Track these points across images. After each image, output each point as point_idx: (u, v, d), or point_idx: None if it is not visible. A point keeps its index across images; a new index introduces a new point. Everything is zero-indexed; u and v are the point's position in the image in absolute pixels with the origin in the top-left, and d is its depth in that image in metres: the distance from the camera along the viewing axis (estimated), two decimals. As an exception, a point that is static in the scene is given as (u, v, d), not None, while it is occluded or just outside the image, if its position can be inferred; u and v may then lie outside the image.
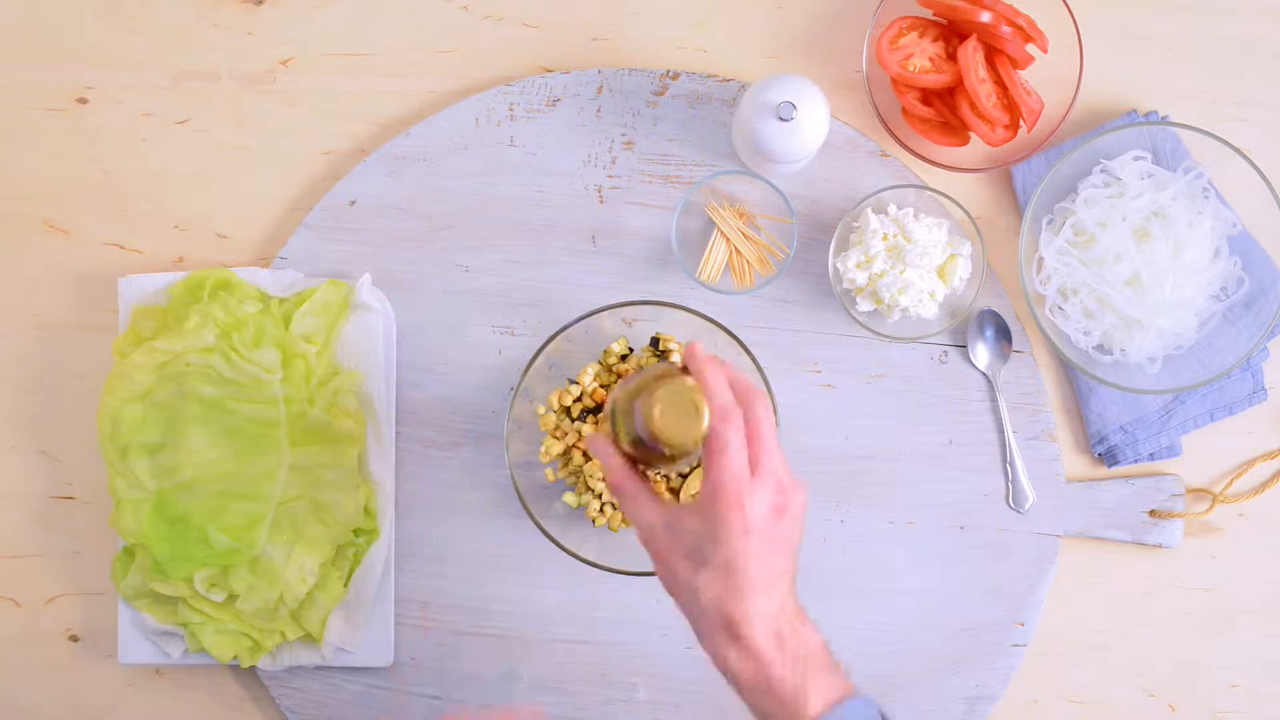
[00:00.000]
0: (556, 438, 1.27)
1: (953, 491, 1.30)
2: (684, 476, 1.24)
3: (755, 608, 1.00)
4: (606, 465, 1.06)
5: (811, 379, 1.31)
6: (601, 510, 1.27)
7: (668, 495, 1.15)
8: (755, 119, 1.22)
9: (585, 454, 1.27)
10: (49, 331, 1.32)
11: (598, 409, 1.27)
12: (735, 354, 1.26)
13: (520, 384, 1.26)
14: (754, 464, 1.02)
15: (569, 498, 1.28)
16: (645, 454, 1.05)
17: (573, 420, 1.27)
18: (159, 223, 1.33)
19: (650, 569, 1.24)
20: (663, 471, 1.05)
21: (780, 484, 1.03)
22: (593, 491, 1.27)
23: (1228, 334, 1.28)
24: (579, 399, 1.27)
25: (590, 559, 1.25)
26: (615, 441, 1.06)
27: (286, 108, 1.33)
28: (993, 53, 1.29)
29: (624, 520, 1.27)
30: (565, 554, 1.25)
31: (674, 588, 1.04)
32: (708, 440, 1.01)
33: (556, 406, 1.27)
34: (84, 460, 1.31)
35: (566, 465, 1.28)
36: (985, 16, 1.27)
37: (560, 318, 1.30)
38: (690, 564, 1.01)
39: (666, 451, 1.03)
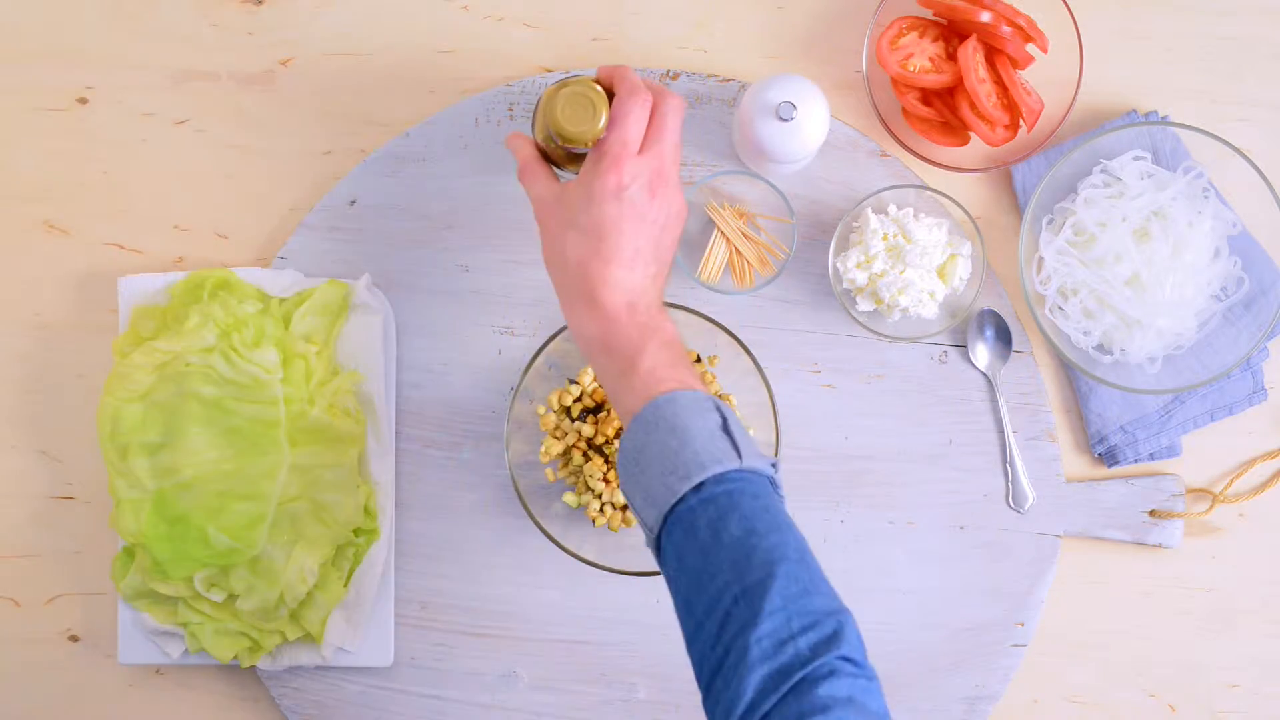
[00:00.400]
0: (556, 438, 1.27)
1: (953, 491, 1.30)
2: None
3: (614, 275, 1.07)
4: (516, 150, 1.15)
5: (811, 379, 1.31)
6: (601, 510, 1.27)
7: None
8: (755, 119, 1.22)
9: (585, 454, 1.27)
10: (49, 331, 1.32)
11: (598, 409, 1.28)
12: (735, 354, 1.26)
13: (520, 384, 1.26)
14: (645, 145, 1.09)
15: (569, 498, 1.28)
16: (553, 149, 1.16)
17: (573, 420, 1.27)
18: (159, 223, 1.33)
19: (651, 569, 1.24)
20: (570, 170, 1.19)
21: (664, 171, 1.09)
22: (593, 491, 1.27)
23: (1228, 334, 1.28)
24: (579, 399, 1.27)
25: (590, 559, 1.25)
26: (545, 138, 1.15)
27: (286, 108, 1.33)
28: (993, 53, 1.29)
29: (625, 520, 1.27)
30: (565, 554, 1.25)
31: (550, 258, 1.11)
32: (610, 115, 1.09)
33: (556, 406, 1.27)
34: (84, 460, 1.31)
35: (566, 465, 1.28)
36: (985, 16, 1.27)
37: (560, 317, 1.30)
38: (565, 229, 1.09)
39: (559, 140, 1.11)
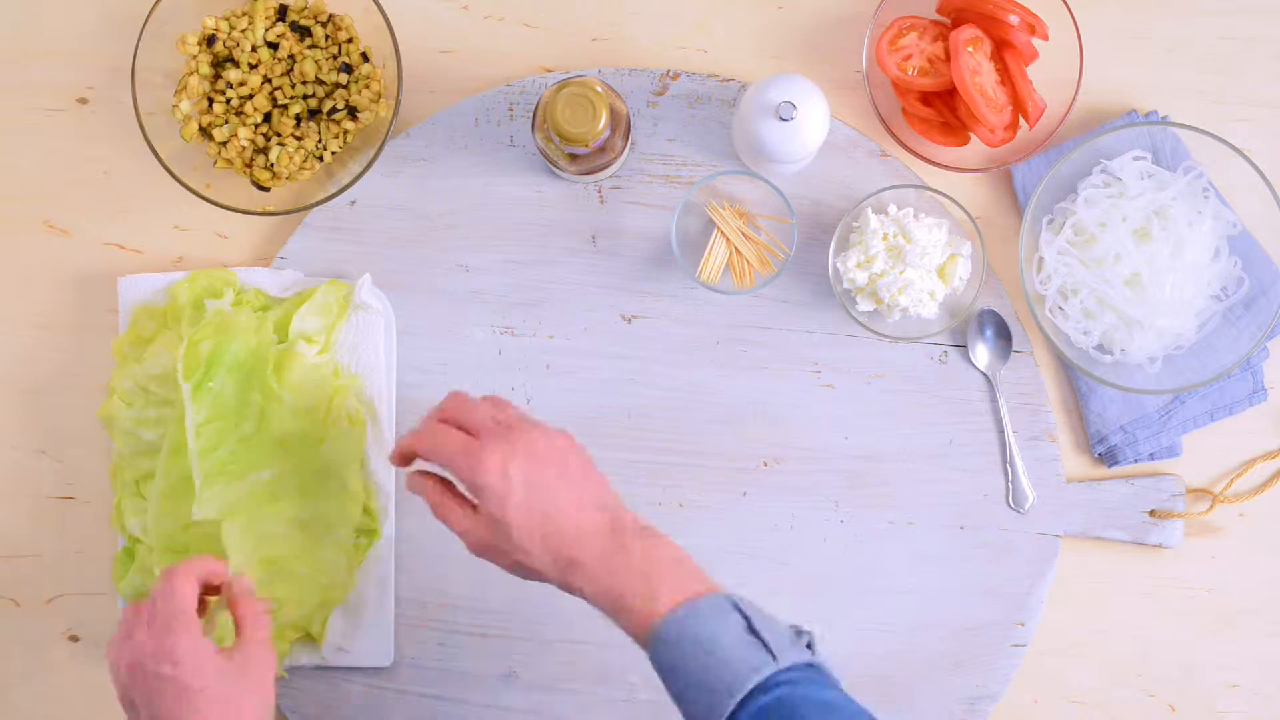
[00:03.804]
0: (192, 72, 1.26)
1: (953, 491, 1.30)
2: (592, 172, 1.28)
3: (573, 526, 1.04)
4: (424, 492, 1.10)
5: (811, 379, 1.31)
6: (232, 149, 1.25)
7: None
8: (755, 119, 1.22)
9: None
10: (49, 331, 1.32)
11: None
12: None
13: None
14: (471, 435, 1.07)
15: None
16: (553, 150, 1.21)
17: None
18: (159, 223, 1.33)
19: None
20: (576, 167, 1.24)
21: (493, 432, 1.07)
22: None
23: (1228, 334, 1.28)
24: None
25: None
26: (545, 138, 1.21)
27: (286, 108, 1.33)
28: (1001, 47, 1.28)
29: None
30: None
31: (518, 563, 1.07)
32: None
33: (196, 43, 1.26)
34: (84, 460, 1.31)
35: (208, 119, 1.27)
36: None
37: (560, 318, 1.30)
38: (499, 552, 1.07)
39: (559, 140, 1.18)
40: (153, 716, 1.04)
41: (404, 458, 1.10)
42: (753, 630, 0.99)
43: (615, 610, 1.03)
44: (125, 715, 1.07)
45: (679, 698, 1.00)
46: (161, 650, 1.04)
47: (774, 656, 0.97)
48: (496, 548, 1.07)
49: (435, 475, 1.10)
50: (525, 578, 1.08)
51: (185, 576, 1.07)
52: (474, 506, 1.07)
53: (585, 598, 1.05)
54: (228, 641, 1.09)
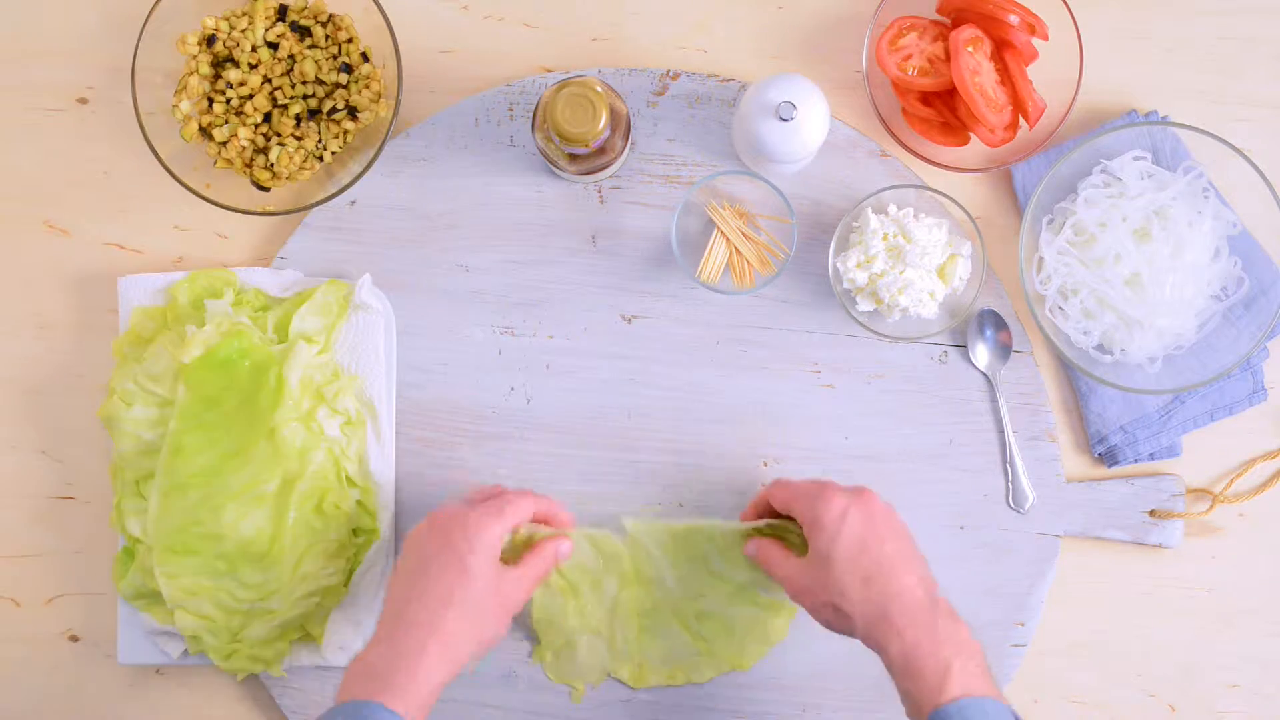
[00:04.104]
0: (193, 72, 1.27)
1: (953, 491, 1.30)
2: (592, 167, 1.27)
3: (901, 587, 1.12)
4: (759, 546, 1.20)
5: (811, 379, 1.31)
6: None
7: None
8: (755, 119, 1.22)
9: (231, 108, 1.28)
10: (49, 331, 1.32)
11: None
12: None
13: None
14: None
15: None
16: (553, 149, 1.21)
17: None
18: (159, 223, 1.33)
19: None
20: (576, 167, 1.24)
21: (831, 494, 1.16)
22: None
23: (1228, 334, 1.28)
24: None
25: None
26: (545, 138, 1.21)
27: (286, 108, 1.33)
28: (1001, 47, 1.28)
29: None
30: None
31: (828, 614, 1.14)
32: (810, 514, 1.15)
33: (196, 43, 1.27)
34: (84, 460, 1.31)
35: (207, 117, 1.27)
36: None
37: (560, 318, 1.30)
38: (813, 594, 1.14)
39: (559, 140, 1.18)
40: (421, 561, 1.14)
41: (757, 510, 1.23)
42: None
43: (903, 676, 1.08)
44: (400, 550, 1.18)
45: None
46: (471, 527, 1.15)
47: None
48: (813, 589, 1.14)
49: (767, 536, 1.21)
50: (827, 625, 1.14)
51: (533, 503, 1.20)
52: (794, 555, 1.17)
53: (876, 650, 1.10)
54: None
